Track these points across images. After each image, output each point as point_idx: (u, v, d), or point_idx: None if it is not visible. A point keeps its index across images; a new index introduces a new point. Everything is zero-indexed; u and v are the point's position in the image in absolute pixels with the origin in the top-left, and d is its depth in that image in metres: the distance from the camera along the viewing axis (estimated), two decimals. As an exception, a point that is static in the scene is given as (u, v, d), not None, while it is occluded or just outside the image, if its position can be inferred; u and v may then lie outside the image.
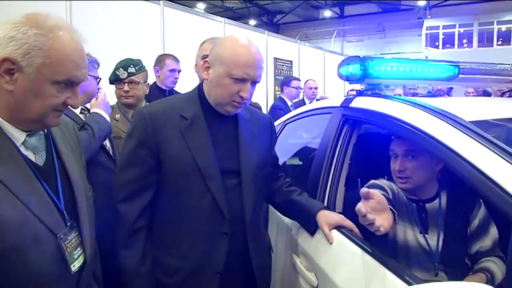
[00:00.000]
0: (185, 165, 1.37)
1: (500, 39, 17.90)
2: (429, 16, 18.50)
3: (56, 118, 1.02)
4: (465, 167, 1.02)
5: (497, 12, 16.96)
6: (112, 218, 1.39)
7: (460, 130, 1.12)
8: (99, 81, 2.07)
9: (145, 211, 1.39)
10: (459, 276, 1.37)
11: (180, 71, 3.26)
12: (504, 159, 0.96)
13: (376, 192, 1.17)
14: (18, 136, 0.99)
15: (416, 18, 18.95)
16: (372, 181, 1.59)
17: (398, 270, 1.12)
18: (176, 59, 3.27)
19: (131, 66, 2.33)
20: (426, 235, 1.46)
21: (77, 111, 1.97)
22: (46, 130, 1.08)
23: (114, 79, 2.33)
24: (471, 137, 1.07)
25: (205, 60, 1.42)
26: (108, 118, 1.93)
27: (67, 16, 3.61)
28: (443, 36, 18.71)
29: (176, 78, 3.24)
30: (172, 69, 3.19)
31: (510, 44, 17.15)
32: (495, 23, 17.73)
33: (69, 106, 1.04)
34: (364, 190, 1.13)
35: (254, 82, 1.41)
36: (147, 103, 2.43)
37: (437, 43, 18.91)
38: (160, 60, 3.22)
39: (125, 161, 1.42)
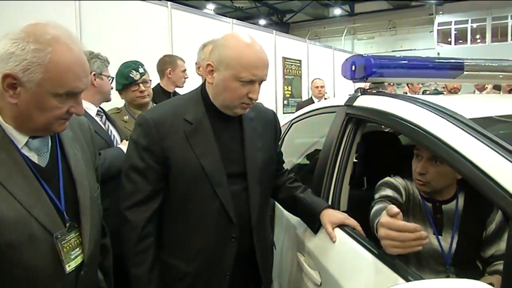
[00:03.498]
0: (192, 170, 1.36)
1: (514, 34, 17.59)
2: (441, 12, 18.30)
3: (62, 125, 1.05)
4: (461, 163, 1.02)
5: (511, 6, 16.66)
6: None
7: (459, 127, 1.12)
8: (112, 80, 2.09)
9: (153, 217, 1.38)
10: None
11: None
12: (502, 155, 0.96)
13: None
14: (20, 138, 1.01)
15: (428, 14, 18.77)
16: (387, 178, 1.58)
17: (400, 269, 1.12)
18: (183, 59, 3.32)
19: (140, 66, 2.40)
20: (439, 236, 1.45)
21: (93, 113, 1.96)
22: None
23: (129, 82, 2.36)
24: (469, 133, 1.07)
25: (208, 64, 1.37)
26: None
27: (76, 18, 3.67)
28: (456, 32, 18.47)
29: (186, 78, 3.28)
30: (184, 69, 3.24)
31: (524, 39, 16.89)
32: (509, 17, 17.41)
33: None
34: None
35: (261, 81, 1.38)
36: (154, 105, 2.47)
37: (449, 39, 18.67)
38: (172, 62, 3.24)
39: (131, 169, 1.38)
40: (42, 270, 1.00)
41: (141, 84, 2.38)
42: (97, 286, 1.29)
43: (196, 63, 2.48)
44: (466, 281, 0.77)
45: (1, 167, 0.96)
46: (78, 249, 1.09)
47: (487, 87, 4.56)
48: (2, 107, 0.99)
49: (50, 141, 1.09)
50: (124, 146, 1.89)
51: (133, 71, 2.35)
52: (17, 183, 0.97)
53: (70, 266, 1.06)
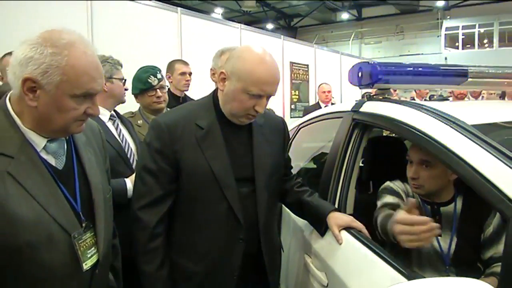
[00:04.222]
0: (202, 174, 1.41)
1: (522, 39, 17.50)
2: (448, 17, 18.25)
3: (79, 126, 1.10)
4: (463, 168, 1.06)
5: (519, 11, 16.59)
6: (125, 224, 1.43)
7: (460, 133, 1.16)
8: (125, 81, 2.09)
9: (163, 217, 1.43)
10: (470, 279, 1.39)
11: (191, 73, 3.28)
12: (501, 161, 1.01)
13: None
14: (38, 142, 1.06)
15: (435, 19, 18.71)
16: (387, 183, 1.63)
17: (403, 269, 1.17)
18: (185, 62, 3.31)
19: (158, 72, 2.40)
20: (438, 237, 1.48)
21: (106, 118, 1.96)
22: (68, 136, 1.15)
23: (147, 88, 2.37)
24: (470, 139, 1.12)
25: (222, 72, 1.42)
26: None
27: (88, 23, 3.75)
28: (463, 37, 18.40)
29: (188, 81, 3.25)
30: (182, 72, 3.21)
31: (532, 44, 16.80)
32: (516, 22, 17.35)
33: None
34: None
35: (269, 97, 1.43)
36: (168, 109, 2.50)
37: (456, 44, 18.60)
38: (170, 67, 3.27)
39: (144, 170, 1.43)
40: (60, 269, 1.04)
41: (158, 90, 2.39)
42: (108, 286, 1.33)
43: (211, 69, 2.51)
44: (466, 279, 0.81)
45: (22, 169, 1.00)
46: (93, 248, 1.13)
47: (483, 95, 4.54)
48: (21, 111, 1.04)
49: (66, 145, 1.14)
50: (130, 181, 1.83)
51: (151, 76, 2.36)
52: (36, 184, 1.01)
53: (87, 265, 1.10)
